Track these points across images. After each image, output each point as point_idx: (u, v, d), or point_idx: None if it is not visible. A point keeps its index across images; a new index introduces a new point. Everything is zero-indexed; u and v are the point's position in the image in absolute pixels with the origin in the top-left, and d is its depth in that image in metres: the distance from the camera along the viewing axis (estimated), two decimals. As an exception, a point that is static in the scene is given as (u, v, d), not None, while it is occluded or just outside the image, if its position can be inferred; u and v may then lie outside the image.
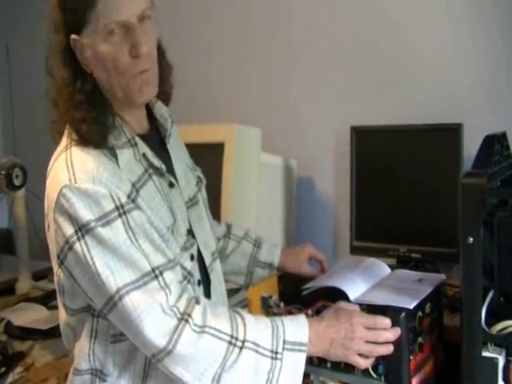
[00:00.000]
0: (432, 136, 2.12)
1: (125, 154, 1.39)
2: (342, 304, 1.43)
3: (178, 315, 1.29)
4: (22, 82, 3.57)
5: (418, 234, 2.11)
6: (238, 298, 2.18)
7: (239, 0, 2.77)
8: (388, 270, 1.68)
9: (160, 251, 1.34)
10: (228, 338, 1.30)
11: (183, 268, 1.42)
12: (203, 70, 2.89)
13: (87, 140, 1.36)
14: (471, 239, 1.28)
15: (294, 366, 1.33)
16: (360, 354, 1.37)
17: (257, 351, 1.31)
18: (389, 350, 1.37)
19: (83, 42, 1.34)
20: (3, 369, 2.04)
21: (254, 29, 2.73)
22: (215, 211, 2.03)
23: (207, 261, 1.54)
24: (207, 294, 1.53)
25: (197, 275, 1.49)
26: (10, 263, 2.96)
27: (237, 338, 1.30)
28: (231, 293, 2.20)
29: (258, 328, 1.33)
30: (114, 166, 1.36)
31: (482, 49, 2.16)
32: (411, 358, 1.40)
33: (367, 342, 1.36)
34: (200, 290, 1.49)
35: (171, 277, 1.33)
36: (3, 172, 2.66)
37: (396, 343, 1.36)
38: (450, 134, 2.05)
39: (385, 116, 2.33)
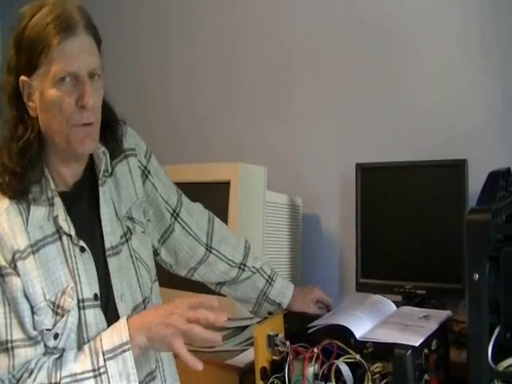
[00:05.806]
0: (437, 172, 2.12)
1: (39, 212, 1.40)
2: None
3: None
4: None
5: (424, 270, 2.10)
6: (244, 336, 2.17)
7: (238, 43, 2.83)
8: (393, 307, 1.68)
9: (21, 325, 1.37)
10: None
11: (46, 346, 1.41)
12: (209, 109, 2.93)
13: (4, 191, 1.37)
14: (477, 275, 1.27)
15: (123, 369, 1.35)
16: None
17: (75, 380, 1.34)
18: (214, 337, 1.37)
19: (33, 84, 1.36)
20: None
21: (257, 68, 2.76)
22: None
23: (122, 314, 1.49)
24: None
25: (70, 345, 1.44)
26: None
27: (52, 383, 1.34)
28: (237, 330, 2.19)
29: (74, 360, 1.36)
30: (19, 222, 1.37)
31: (486, 85, 2.17)
32: (418, 395, 1.38)
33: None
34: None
35: (22, 353, 1.36)
36: None
37: (403, 380, 1.35)
38: (455, 169, 2.06)
39: (389, 153, 2.34)
